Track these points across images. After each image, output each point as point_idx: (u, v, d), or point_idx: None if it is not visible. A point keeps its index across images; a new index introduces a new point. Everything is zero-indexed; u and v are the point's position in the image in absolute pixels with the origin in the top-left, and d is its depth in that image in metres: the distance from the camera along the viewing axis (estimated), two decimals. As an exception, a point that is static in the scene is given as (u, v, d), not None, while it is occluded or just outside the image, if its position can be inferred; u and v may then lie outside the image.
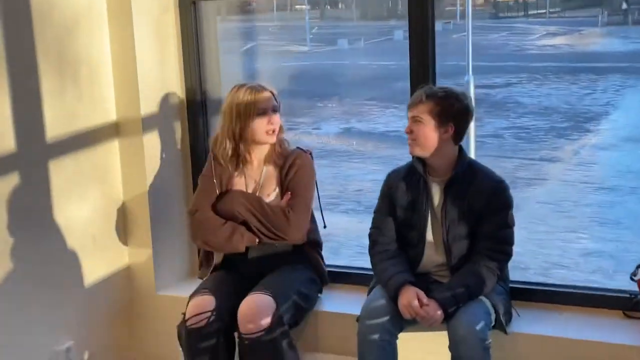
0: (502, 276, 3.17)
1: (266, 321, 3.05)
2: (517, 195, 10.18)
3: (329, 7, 36.12)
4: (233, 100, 3.26)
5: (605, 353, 3.02)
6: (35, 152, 3.24)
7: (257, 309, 3.08)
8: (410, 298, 3.02)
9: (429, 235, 3.21)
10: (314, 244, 3.48)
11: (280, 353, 3.07)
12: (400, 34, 22.25)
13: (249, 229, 3.27)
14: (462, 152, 3.20)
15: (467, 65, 10.18)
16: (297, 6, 33.03)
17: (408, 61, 3.49)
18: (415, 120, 3.14)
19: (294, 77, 17.11)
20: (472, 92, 9.70)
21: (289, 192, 3.32)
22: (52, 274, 3.35)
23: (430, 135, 3.12)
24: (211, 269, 3.41)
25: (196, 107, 3.81)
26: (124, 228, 3.71)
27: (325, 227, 3.53)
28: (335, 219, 9.46)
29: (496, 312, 3.07)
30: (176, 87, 3.78)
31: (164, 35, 3.71)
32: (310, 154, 3.44)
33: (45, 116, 3.25)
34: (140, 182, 3.64)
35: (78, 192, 3.45)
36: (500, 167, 10.73)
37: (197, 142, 3.83)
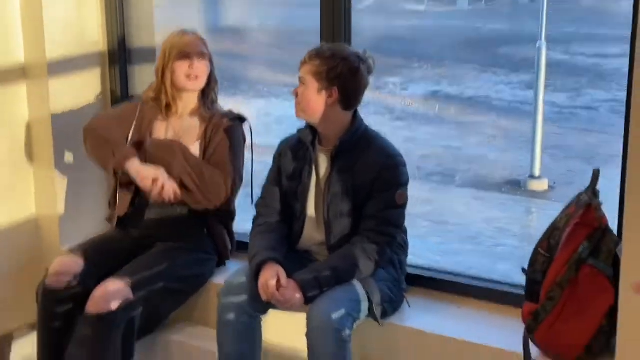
0: (383, 260, 2.79)
1: (110, 307, 2.83)
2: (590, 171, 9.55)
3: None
4: (165, 42, 3.16)
5: (482, 356, 2.64)
6: None
7: (106, 295, 2.86)
8: (268, 277, 2.72)
9: (311, 210, 2.89)
10: (224, 215, 3.24)
11: (106, 341, 2.84)
12: (526, -6, 21.22)
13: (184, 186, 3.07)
14: (355, 121, 2.85)
15: (540, 30, 9.48)
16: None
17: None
18: (300, 82, 2.82)
19: (399, 37, 16.63)
20: (543, 60, 8.99)
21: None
22: None
23: (313, 98, 2.78)
24: (116, 217, 3.21)
25: (117, 55, 3.58)
26: (30, 177, 3.54)
27: (252, 202, 3.28)
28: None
29: (370, 300, 2.73)
30: (96, 33, 3.56)
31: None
32: (241, 119, 3.21)
33: None
34: (45, 129, 3.45)
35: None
36: (583, 141, 10.05)
37: (116, 92, 3.59)
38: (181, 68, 3.11)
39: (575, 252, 2.42)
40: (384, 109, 11.61)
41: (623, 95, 2.59)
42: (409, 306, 2.90)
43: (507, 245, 7.03)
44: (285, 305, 2.70)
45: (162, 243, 3.14)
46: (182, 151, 3.09)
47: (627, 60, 2.45)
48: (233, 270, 2.94)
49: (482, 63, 14.66)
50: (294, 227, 2.93)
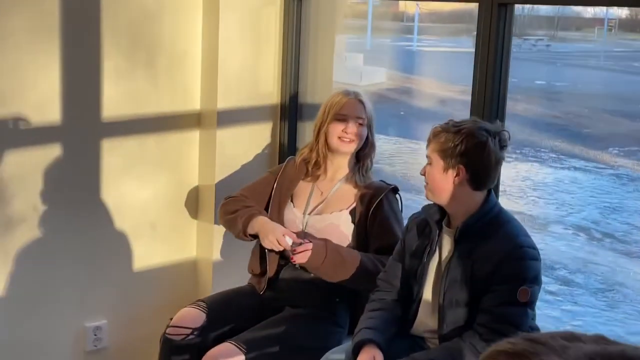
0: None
1: None
2: None
3: None
4: (326, 100, 3.14)
5: None
6: (86, 129, 3.30)
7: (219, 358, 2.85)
8: (363, 359, 2.56)
9: (427, 293, 2.69)
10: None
11: None
12: None
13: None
14: (487, 202, 2.61)
15: None
16: None
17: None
18: (427, 160, 2.64)
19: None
20: None
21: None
22: (95, 252, 3.39)
23: (439, 178, 2.59)
24: (266, 280, 3.14)
25: (289, 110, 3.59)
26: (194, 220, 3.63)
27: None
28: (627, 263, 8.28)
29: (471, 402, 2.47)
30: (270, 86, 3.60)
31: (263, 30, 3.55)
32: (395, 189, 3.11)
33: (103, 94, 3.29)
34: (210, 177, 3.54)
35: (138, 175, 3.44)
36: None
37: (284, 146, 3.60)
38: (335, 130, 3.04)
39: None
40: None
41: None
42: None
43: None
44: (376, 391, 2.52)
45: (290, 307, 3.07)
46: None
47: None
48: (334, 348, 2.80)
49: None
50: (409, 310, 2.73)
